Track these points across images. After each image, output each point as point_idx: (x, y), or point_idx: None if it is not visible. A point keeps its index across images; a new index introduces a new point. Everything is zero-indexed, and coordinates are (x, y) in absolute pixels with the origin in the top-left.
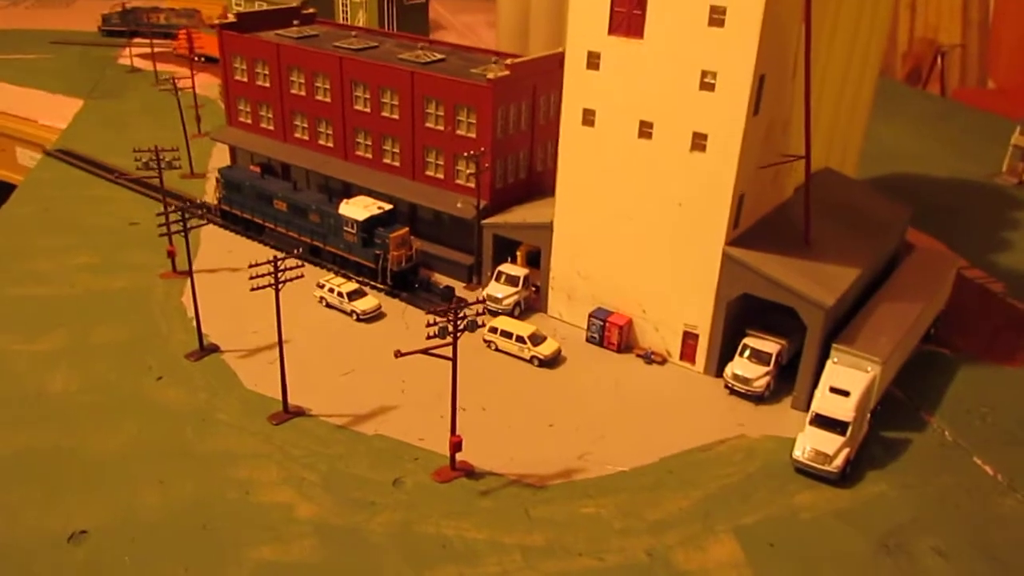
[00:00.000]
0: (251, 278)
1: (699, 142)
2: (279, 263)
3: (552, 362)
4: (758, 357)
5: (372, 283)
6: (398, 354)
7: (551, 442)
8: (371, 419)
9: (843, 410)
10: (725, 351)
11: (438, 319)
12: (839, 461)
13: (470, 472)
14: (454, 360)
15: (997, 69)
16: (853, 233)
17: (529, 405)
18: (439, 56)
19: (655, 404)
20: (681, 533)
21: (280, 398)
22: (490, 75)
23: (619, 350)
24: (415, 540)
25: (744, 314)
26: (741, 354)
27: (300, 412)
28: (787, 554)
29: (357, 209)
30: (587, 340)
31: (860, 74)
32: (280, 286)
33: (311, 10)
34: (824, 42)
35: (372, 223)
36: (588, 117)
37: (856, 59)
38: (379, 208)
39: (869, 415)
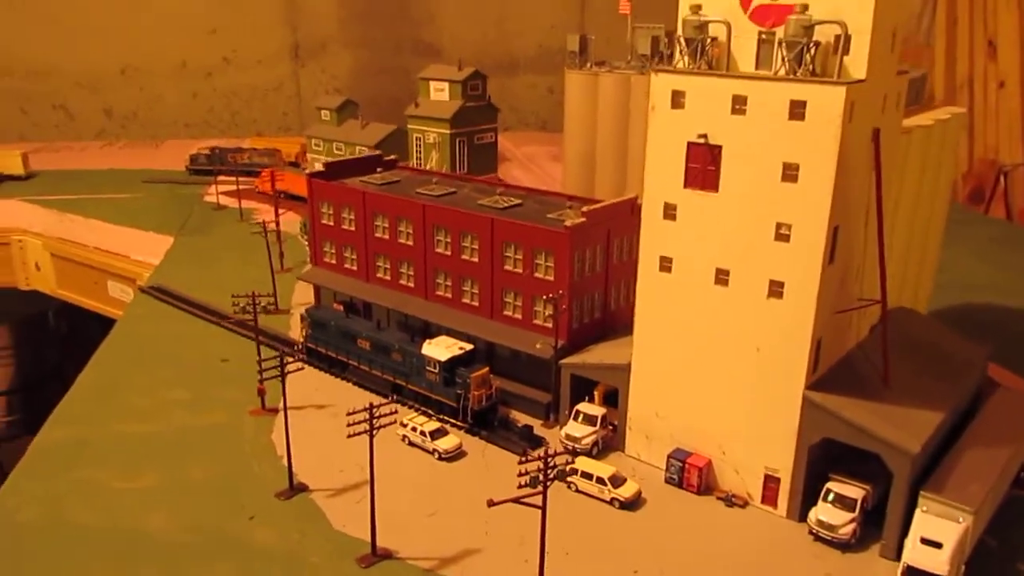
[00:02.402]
0: (349, 424)
1: (776, 290)
2: (375, 410)
3: (633, 504)
4: (843, 502)
5: (453, 421)
6: (491, 503)
7: None
8: (456, 562)
9: (937, 563)
10: (808, 495)
11: (529, 469)
12: None
13: None
14: (543, 509)
15: None
16: (932, 374)
17: (612, 549)
18: (516, 201)
19: (737, 550)
20: None
21: (368, 539)
22: (568, 222)
23: (699, 492)
24: None
25: (827, 457)
26: (825, 499)
27: (388, 555)
28: None
29: (439, 349)
30: (666, 481)
31: (929, 209)
32: (375, 432)
33: (393, 156)
34: (895, 183)
35: (454, 363)
36: (665, 264)
37: (925, 194)
38: (460, 348)
39: (963, 567)
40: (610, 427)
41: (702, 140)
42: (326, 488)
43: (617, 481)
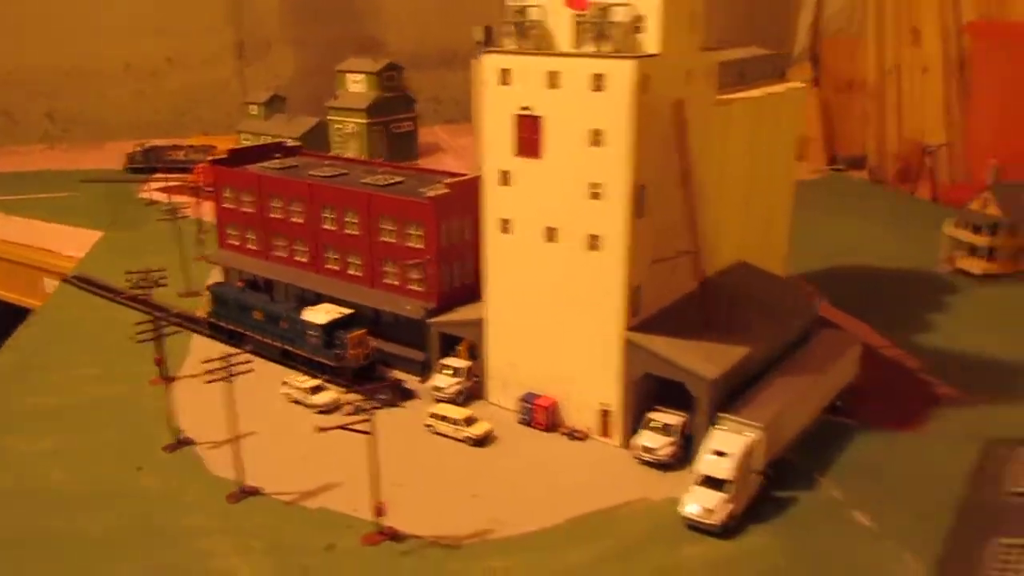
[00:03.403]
0: (206, 372)
1: (594, 243)
2: (231, 358)
3: (483, 441)
4: (661, 429)
5: (335, 380)
6: (320, 429)
7: (471, 509)
8: (317, 495)
9: (723, 470)
10: (638, 426)
11: (353, 400)
12: (721, 516)
13: (395, 536)
14: (370, 433)
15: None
16: (755, 318)
17: (457, 479)
18: (399, 179)
19: (569, 474)
20: None
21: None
22: (430, 194)
23: (547, 429)
24: None
25: (654, 392)
26: (646, 426)
27: (254, 492)
28: None
29: (319, 314)
30: (519, 422)
31: (770, 174)
32: (231, 379)
33: (298, 144)
34: (717, 149)
35: (333, 327)
36: (505, 226)
37: (762, 160)
38: (339, 313)
39: (761, 476)
40: (474, 378)
41: (526, 112)
42: (209, 441)
43: (470, 422)
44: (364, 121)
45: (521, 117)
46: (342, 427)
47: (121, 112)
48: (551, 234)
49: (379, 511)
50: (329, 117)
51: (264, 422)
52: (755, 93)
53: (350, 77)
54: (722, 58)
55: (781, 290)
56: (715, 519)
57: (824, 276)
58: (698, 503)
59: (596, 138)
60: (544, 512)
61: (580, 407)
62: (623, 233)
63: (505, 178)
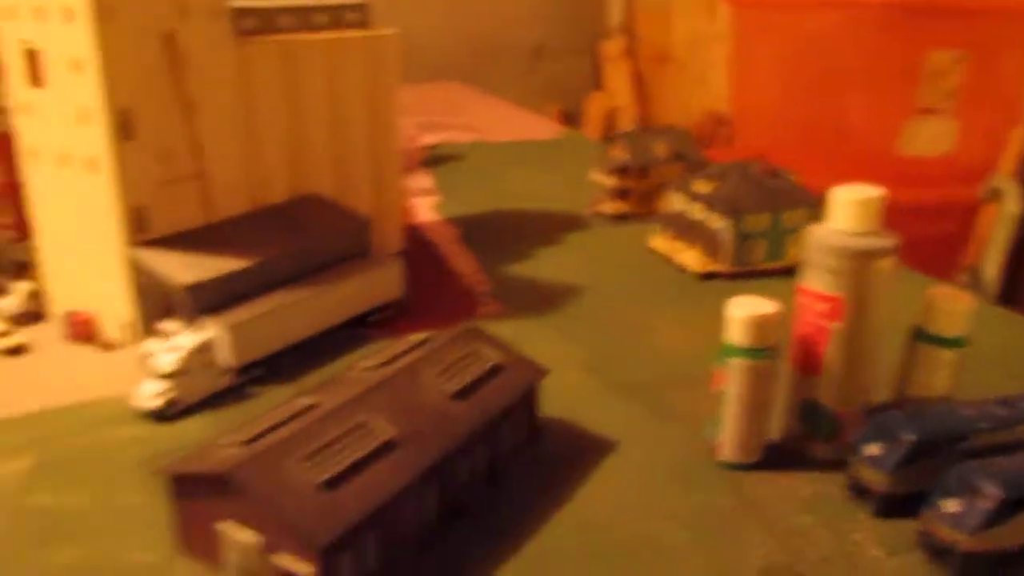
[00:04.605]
0: None
1: (93, 165)
2: None
3: (16, 352)
4: (165, 336)
5: None
6: None
7: None
8: None
9: (169, 362)
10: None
11: None
12: (158, 402)
13: None
14: None
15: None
16: (280, 239)
17: None
18: None
19: (70, 376)
20: None
21: None
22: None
23: (87, 341)
24: None
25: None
26: (157, 336)
27: None
28: (65, 465)
29: None
30: (64, 337)
31: (356, 124)
32: None
33: None
34: (260, 91)
35: None
36: (34, 155)
37: (342, 111)
38: None
39: (229, 374)
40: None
41: (28, 44)
42: None
43: (4, 334)
44: None
45: (27, 50)
46: None
47: None
48: (63, 159)
49: None
50: None
51: None
52: (297, 38)
53: None
54: (240, 4)
55: (331, 217)
56: (153, 404)
57: (476, 219)
58: (144, 391)
59: (77, 65)
60: (17, 405)
61: (110, 320)
62: (111, 153)
63: (26, 109)
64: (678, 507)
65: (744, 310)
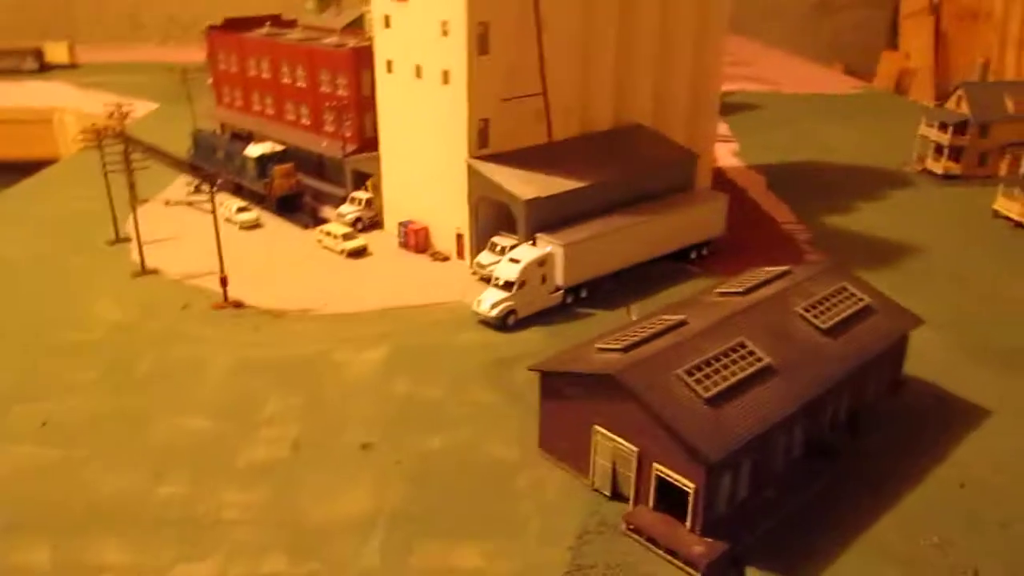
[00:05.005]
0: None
1: (446, 78)
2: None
3: (358, 255)
4: (498, 250)
5: (264, 206)
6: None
7: (312, 295)
8: (207, 276)
9: (510, 273)
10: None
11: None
12: (498, 311)
13: (238, 304)
14: (214, 214)
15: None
16: (612, 165)
17: (318, 275)
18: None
19: (409, 280)
20: (354, 344)
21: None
22: (352, 44)
23: (419, 251)
24: (175, 337)
25: (504, 220)
26: (490, 249)
27: (153, 271)
28: (416, 359)
29: (256, 149)
30: (399, 245)
31: (688, 51)
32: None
33: (293, 18)
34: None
35: (265, 160)
36: (389, 66)
37: (676, 35)
38: (272, 148)
39: (561, 292)
40: (372, 209)
41: None
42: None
43: (348, 238)
44: None
45: None
46: (188, 203)
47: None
48: (418, 71)
49: (223, 282)
50: (363, 9)
51: (192, 228)
52: None
53: None
54: None
55: (662, 150)
56: (494, 312)
57: (781, 168)
58: (484, 300)
59: None
60: (368, 302)
61: (443, 232)
62: (465, 68)
63: (387, 21)
64: None
65: None
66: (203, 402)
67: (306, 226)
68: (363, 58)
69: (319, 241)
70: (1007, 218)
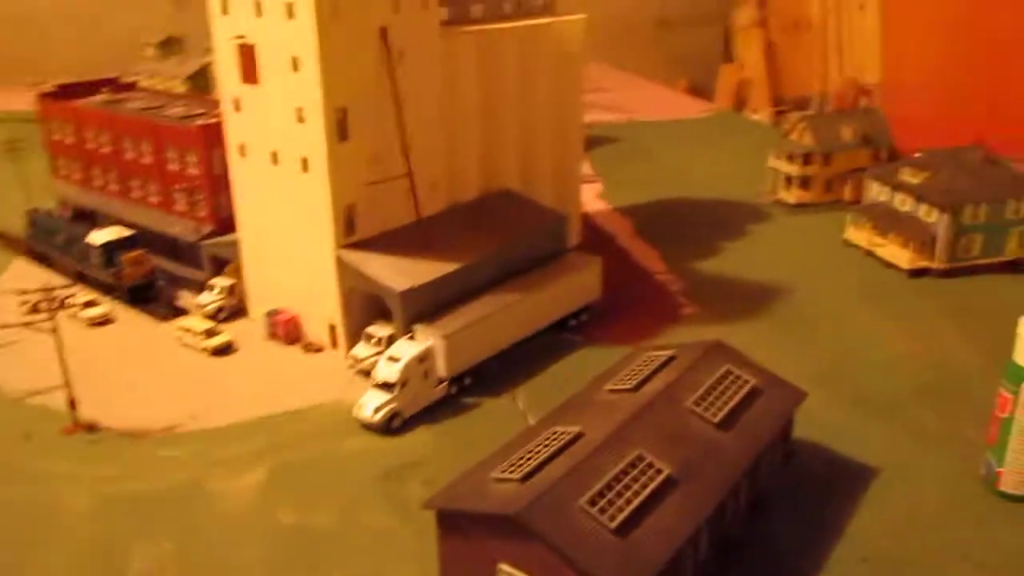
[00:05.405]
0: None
1: (305, 165)
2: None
3: (223, 352)
4: (374, 341)
5: (114, 297)
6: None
7: (177, 408)
8: (54, 391)
9: (391, 373)
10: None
11: (31, 299)
12: (381, 415)
13: (92, 427)
14: (54, 332)
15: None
16: (484, 239)
17: (180, 382)
18: (201, 111)
19: (283, 380)
20: (229, 468)
21: None
22: (199, 121)
23: (290, 343)
24: (16, 476)
25: (380, 308)
26: (364, 339)
27: None
28: (300, 479)
29: (100, 235)
30: (268, 337)
31: (546, 112)
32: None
33: (133, 80)
34: (463, 81)
35: (112, 247)
36: (242, 150)
37: (533, 99)
38: (118, 234)
39: (445, 384)
40: (234, 297)
41: (242, 40)
42: None
43: (211, 334)
44: None
45: (240, 46)
46: (24, 325)
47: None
48: (275, 157)
49: (72, 404)
50: (208, 58)
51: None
52: (493, 27)
53: None
54: None
55: (532, 215)
56: (377, 417)
57: (646, 209)
58: (366, 404)
59: (296, 64)
60: (240, 410)
61: (315, 322)
62: (326, 155)
63: (236, 104)
64: (971, 546)
65: None
66: (54, 561)
67: (164, 318)
68: (213, 135)
69: (178, 338)
70: (857, 247)
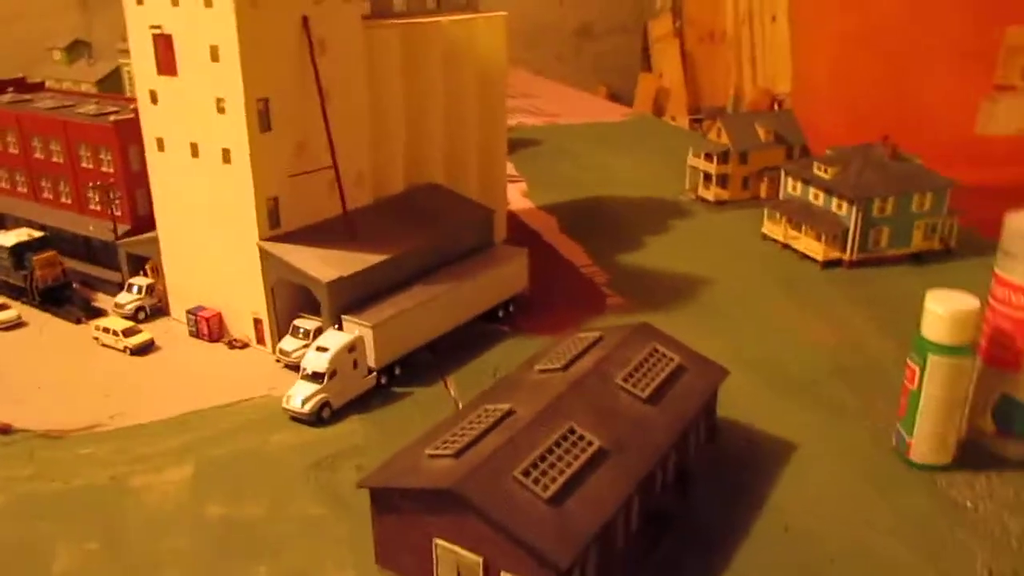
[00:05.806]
0: None
1: (227, 156)
2: None
3: (144, 351)
4: (301, 333)
5: (25, 300)
6: None
7: (97, 407)
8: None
9: (319, 364)
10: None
11: None
12: (311, 406)
13: (6, 429)
14: None
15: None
16: (411, 232)
17: (99, 382)
18: (113, 109)
19: (207, 376)
20: (153, 464)
21: None
22: (113, 118)
23: (213, 340)
24: None
25: (307, 300)
26: (291, 332)
27: None
28: (228, 472)
29: (8, 237)
30: (190, 335)
31: (470, 107)
32: None
33: (40, 81)
34: (388, 75)
35: (21, 249)
36: (160, 144)
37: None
38: (28, 236)
39: (375, 374)
40: (156, 296)
41: (158, 31)
42: None
43: (129, 333)
44: None
45: (156, 36)
46: None
47: None
48: (195, 149)
49: None
50: (120, 60)
51: None
52: (416, 21)
53: None
54: None
55: (458, 209)
56: (307, 408)
57: (570, 206)
58: (295, 395)
59: (214, 53)
60: (164, 408)
61: (238, 317)
62: (248, 145)
63: (153, 97)
64: (879, 513)
65: (947, 306)
66: None
67: (78, 320)
68: (128, 131)
69: (96, 339)
70: (775, 240)
